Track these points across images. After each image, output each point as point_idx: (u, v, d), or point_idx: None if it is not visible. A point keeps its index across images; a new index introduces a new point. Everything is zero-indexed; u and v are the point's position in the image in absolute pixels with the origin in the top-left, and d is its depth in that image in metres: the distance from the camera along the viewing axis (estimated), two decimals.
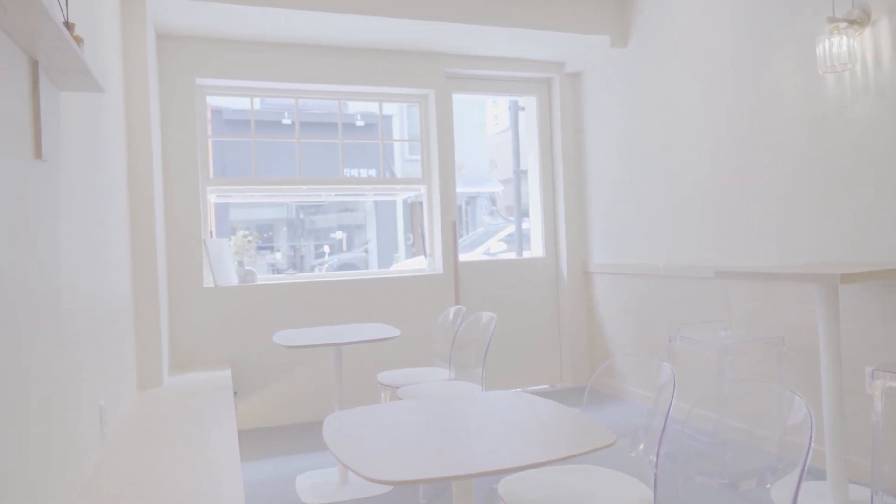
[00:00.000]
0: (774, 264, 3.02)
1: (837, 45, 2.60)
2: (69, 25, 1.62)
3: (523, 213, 6.18)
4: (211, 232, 4.00)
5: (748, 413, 3.14)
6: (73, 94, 2.00)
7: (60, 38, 1.40)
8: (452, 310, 3.36)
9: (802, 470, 1.17)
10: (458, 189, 4.35)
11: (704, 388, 3.47)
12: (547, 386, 4.62)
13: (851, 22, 2.61)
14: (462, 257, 4.67)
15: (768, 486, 2.64)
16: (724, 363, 2.86)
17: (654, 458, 1.63)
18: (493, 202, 12.25)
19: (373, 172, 10.82)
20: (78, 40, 1.65)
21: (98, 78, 1.77)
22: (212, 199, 4.01)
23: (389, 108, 10.78)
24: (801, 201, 2.92)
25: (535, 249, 4.75)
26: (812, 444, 1.22)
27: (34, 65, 1.55)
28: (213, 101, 4.04)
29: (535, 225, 4.77)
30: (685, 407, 3.59)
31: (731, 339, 2.88)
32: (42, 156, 1.57)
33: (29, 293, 1.47)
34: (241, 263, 4.02)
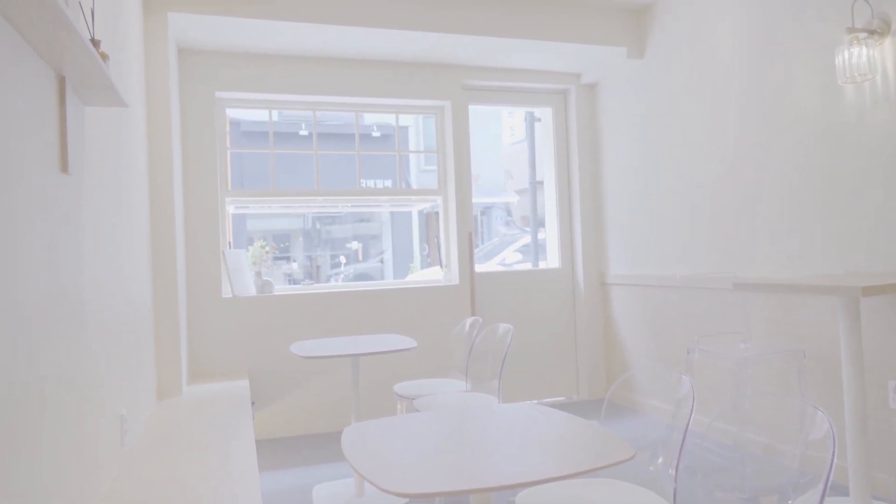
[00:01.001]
0: (793, 274, 2.99)
1: (857, 55, 2.58)
2: (95, 42, 1.66)
3: (539, 224, 6.17)
4: (229, 243, 4.04)
5: (769, 427, 3.09)
6: (97, 108, 2.04)
7: (87, 55, 1.43)
8: (469, 321, 3.36)
9: (825, 486, 1.16)
10: (474, 199, 4.36)
11: (724, 402, 3.43)
12: (563, 398, 4.59)
13: (871, 32, 2.59)
14: (478, 268, 4.67)
15: (790, 501, 2.60)
16: (744, 376, 2.83)
17: (674, 472, 1.62)
18: (509, 212, 12.25)
19: (389, 183, 10.87)
20: (104, 56, 1.69)
21: (122, 93, 1.81)
22: (230, 210, 4.06)
23: (405, 119, 10.85)
24: (819, 211, 2.89)
25: (552, 260, 4.74)
26: (835, 460, 1.21)
27: (61, 81, 1.58)
28: (231, 112, 4.10)
29: (551, 235, 4.76)
30: (704, 420, 3.55)
31: (750, 352, 2.85)
32: (68, 170, 1.60)
33: (54, 303, 1.49)
34: (258, 274, 4.05)
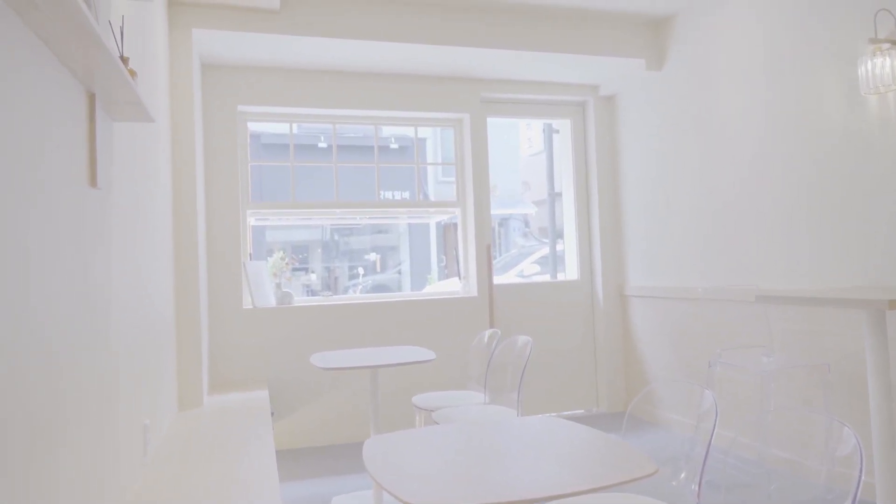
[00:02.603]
0: (815, 286, 2.95)
1: (880, 66, 2.56)
2: (124, 59, 1.70)
3: (557, 235, 6.16)
4: (249, 254, 4.09)
5: (794, 442, 3.04)
6: (124, 123, 2.08)
7: (117, 73, 1.46)
8: (487, 333, 3.35)
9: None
10: (491, 210, 4.37)
11: (747, 416, 3.39)
12: (582, 411, 4.56)
13: (894, 43, 2.56)
14: (496, 279, 4.67)
15: None
16: (768, 390, 2.79)
17: (696, 488, 1.60)
18: (527, 224, 12.23)
19: (406, 194, 10.92)
20: (132, 74, 1.73)
21: (150, 109, 1.85)
22: (250, 221, 4.10)
23: (423, 131, 10.90)
24: (842, 222, 2.85)
25: (570, 272, 4.72)
26: (862, 477, 1.19)
27: (91, 98, 1.62)
28: (252, 125, 4.16)
29: (569, 247, 4.75)
30: (727, 435, 3.51)
31: (773, 365, 2.82)
32: (97, 184, 1.63)
33: (82, 315, 1.52)
34: (278, 285, 4.09)
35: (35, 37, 1.25)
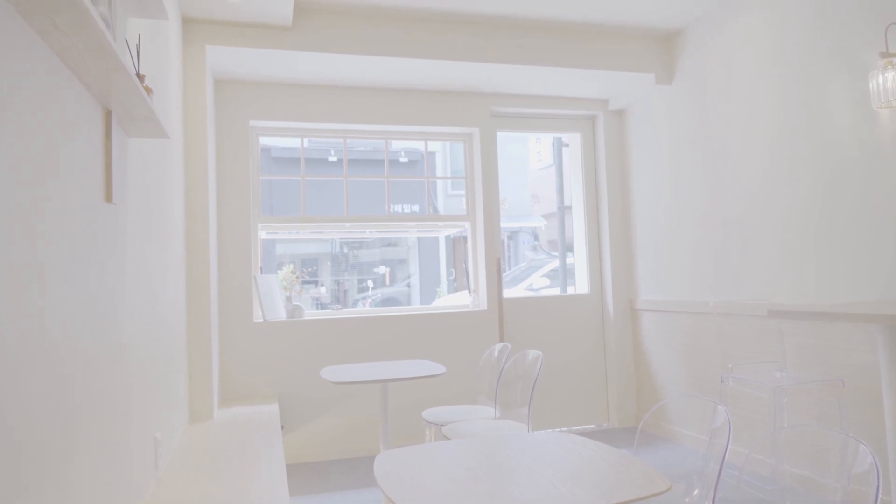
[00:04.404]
0: (827, 300, 2.93)
1: (892, 79, 2.55)
2: (140, 77, 1.72)
3: (567, 249, 6.15)
4: (259, 267, 4.10)
5: (808, 459, 3.01)
6: (139, 139, 2.11)
7: (134, 90, 1.49)
8: (497, 347, 3.35)
9: None
10: (501, 224, 4.37)
11: (760, 432, 3.35)
12: (593, 426, 4.52)
13: None
14: (505, 293, 4.66)
15: None
16: (781, 406, 2.76)
17: None
18: (536, 237, 12.23)
19: (416, 207, 10.95)
20: (148, 91, 1.75)
21: (165, 125, 1.87)
22: (261, 235, 4.13)
23: (433, 145, 10.94)
24: (854, 237, 2.84)
25: (580, 286, 4.71)
26: (879, 495, 1.18)
27: (108, 115, 1.65)
28: (262, 139, 4.19)
29: (579, 261, 4.74)
30: (740, 451, 3.47)
31: (786, 381, 2.79)
32: (112, 199, 1.65)
33: (96, 328, 1.54)
34: (289, 299, 4.10)
35: (55, 56, 1.27)
